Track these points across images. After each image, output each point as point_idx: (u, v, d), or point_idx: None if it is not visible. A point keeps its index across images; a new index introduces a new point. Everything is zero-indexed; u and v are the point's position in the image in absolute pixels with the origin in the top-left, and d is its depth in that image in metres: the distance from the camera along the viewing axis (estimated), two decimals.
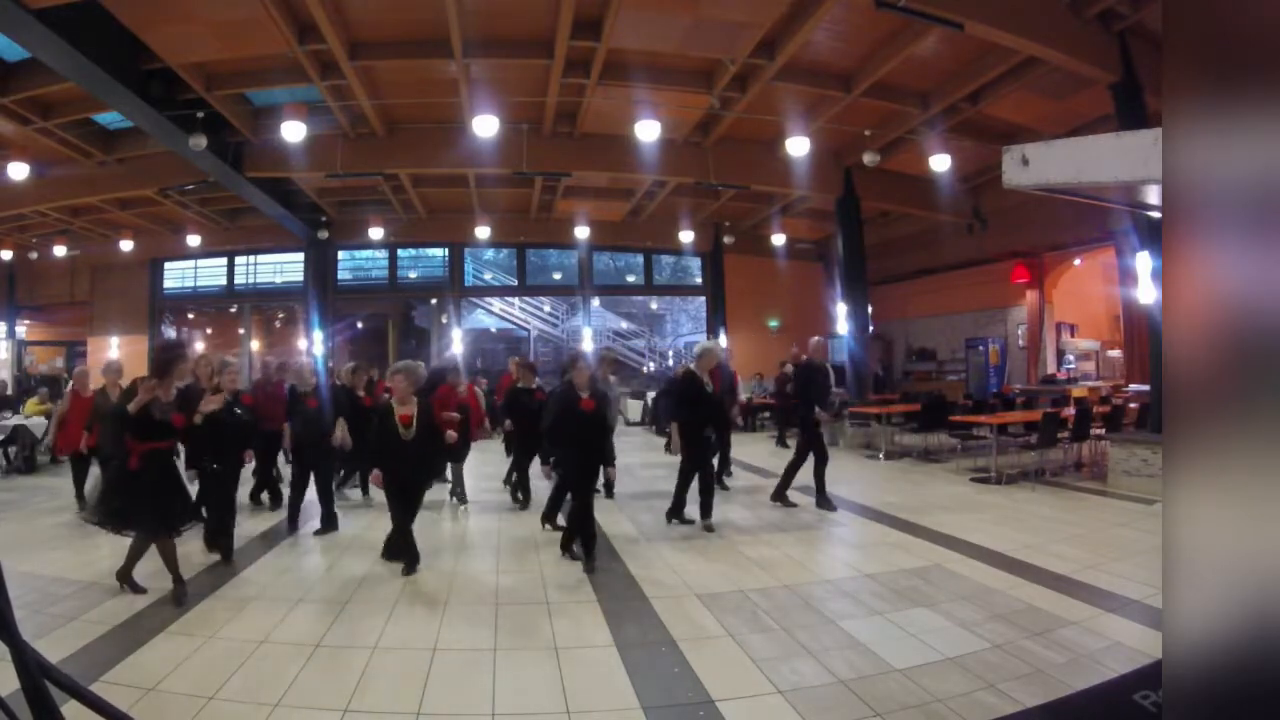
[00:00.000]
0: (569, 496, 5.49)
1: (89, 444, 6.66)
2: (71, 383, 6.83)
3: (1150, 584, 4.27)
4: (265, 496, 7.22)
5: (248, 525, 6.19)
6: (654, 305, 21.92)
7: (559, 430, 5.24)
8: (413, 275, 18.63)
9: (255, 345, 19.13)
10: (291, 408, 6.30)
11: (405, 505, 4.92)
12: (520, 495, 7.29)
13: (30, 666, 1.03)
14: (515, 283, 18.58)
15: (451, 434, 5.61)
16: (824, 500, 6.80)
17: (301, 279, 17.20)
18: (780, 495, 7.02)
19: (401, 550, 4.96)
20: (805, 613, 4.04)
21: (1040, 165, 1.65)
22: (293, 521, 6.19)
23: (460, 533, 6.35)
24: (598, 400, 5.28)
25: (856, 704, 2.93)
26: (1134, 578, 4.46)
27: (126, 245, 15.93)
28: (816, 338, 7.53)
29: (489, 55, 8.75)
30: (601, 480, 6.58)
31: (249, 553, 5.42)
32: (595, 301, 19.44)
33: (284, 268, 17.80)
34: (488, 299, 20.10)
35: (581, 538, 5.11)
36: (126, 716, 1.24)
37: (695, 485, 6.16)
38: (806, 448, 6.94)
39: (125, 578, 4.41)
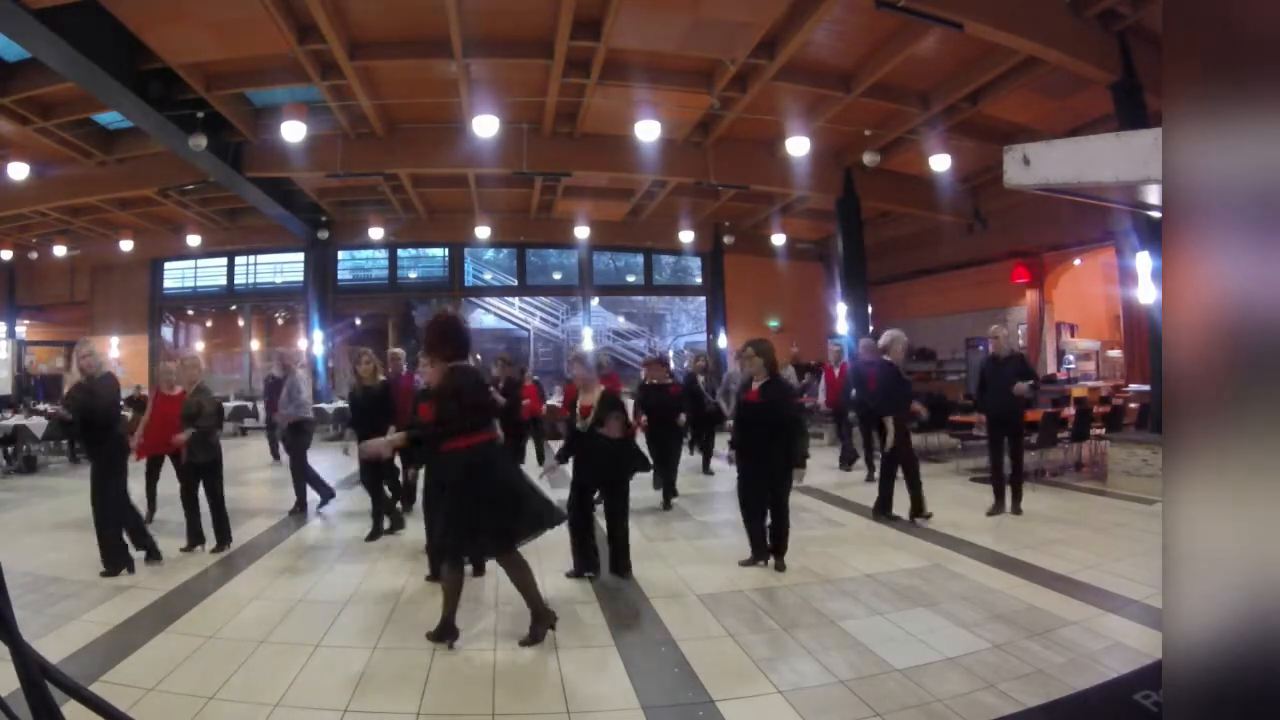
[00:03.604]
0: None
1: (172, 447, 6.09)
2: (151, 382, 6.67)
3: (1150, 584, 4.26)
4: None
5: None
6: (654, 304, 21.88)
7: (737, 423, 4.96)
8: (413, 275, 18.67)
9: (255, 345, 19.14)
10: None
11: (581, 502, 4.60)
12: (667, 499, 6.97)
13: (30, 666, 1.03)
14: (515, 283, 18.60)
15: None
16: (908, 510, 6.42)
17: (301, 279, 17.22)
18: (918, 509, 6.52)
19: (585, 556, 4.63)
20: (805, 613, 4.04)
21: (1041, 165, 1.66)
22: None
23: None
24: (772, 393, 4.75)
25: (857, 704, 2.93)
26: (1134, 578, 4.46)
27: (126, 245, 15.94)
28: (898, 331, 6.72)
29: (489, 55, 8.77)
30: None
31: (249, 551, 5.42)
32: (595, 301, 19.44)
33: (284, 268, 17.82)
34: (488, 298, 20.11)
35: (772, 540, 4.90)
36: (126, 717, 1.24)
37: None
38: (897, 453, 6.44)
39: (445, 633, 3.54)
